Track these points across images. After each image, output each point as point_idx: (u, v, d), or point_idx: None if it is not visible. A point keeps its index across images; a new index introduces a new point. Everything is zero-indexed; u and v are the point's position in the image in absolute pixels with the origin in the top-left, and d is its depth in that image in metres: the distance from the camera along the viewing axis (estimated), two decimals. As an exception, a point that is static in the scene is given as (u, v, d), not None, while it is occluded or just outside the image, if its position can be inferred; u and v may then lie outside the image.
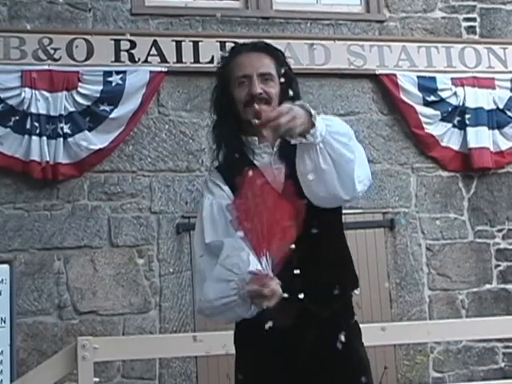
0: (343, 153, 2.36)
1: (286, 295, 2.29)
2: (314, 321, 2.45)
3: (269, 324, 2.38)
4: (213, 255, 2.44)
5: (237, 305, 2.33)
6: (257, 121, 2.43)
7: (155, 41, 6.26)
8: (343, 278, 2.54)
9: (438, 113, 6.72)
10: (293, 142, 2.34)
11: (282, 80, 2.59)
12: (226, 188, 2.53)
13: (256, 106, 2.50)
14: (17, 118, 5.82)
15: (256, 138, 2.58)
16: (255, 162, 2.56)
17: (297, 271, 2.40)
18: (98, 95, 6.00)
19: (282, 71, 2.60)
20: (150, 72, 6.18)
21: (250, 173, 2.38)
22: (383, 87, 6.70)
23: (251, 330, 2.50)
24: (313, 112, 2.32)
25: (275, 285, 2.24)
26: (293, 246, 2.31)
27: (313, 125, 2.30)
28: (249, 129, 2.56)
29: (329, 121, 2.40)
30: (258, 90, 2.51)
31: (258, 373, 2.49)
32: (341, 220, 2.65)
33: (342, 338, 2.48)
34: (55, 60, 6.03)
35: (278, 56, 2.63)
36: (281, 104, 2.43)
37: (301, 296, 2.37)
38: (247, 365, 2.54)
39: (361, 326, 2.64)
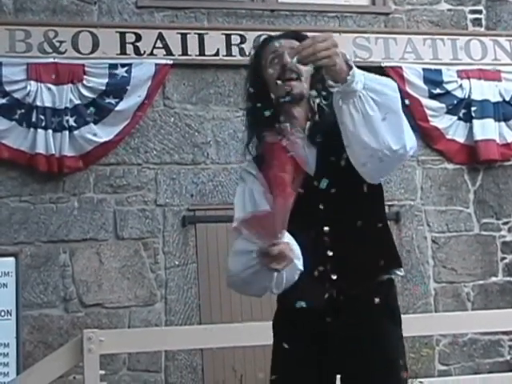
0: (387, 92, 2.33)
1: (301, 267, 2.29)
2: (349, 303, 2.40)
3: (300, 304, 2.37)
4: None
5: (260, 273, 2.32)
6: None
7: (160, 33, 6.25)
8: (380, 259, 2.46)
9: (444, 105, 6.70)
10: (335, 89, 2.28)
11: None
12: (260, 175, 2.51)
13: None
14: (22, 110, 5.83)
15: (287, 125, 2.50)
16: (289, 147, 2.53)
17: (330, 253, 2.38)
18: (104, 88, 6.00)
19: None
20: (156, 65, 6.17)
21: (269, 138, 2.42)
22: (389, 80, 6.67)
23: (285, 312, 2.50)
24: (347, 56, 2.27)
25: (285, 247, 2.23)
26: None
27: (350, 68, 2.24)
28: (281, 113, 2.50)
29: (362, 70, 2.34)
30: (289, 59, 2.42)
31: (288, 357, 2.45)
32: (382, 198, 2.59)
33: (378, 320, 2.42)
34: (60, 53, 6.03)
35: None
36: (312, 88, 2.43)
37: (334, 277, 2.34)
38: (281, 348, 2.49)
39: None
